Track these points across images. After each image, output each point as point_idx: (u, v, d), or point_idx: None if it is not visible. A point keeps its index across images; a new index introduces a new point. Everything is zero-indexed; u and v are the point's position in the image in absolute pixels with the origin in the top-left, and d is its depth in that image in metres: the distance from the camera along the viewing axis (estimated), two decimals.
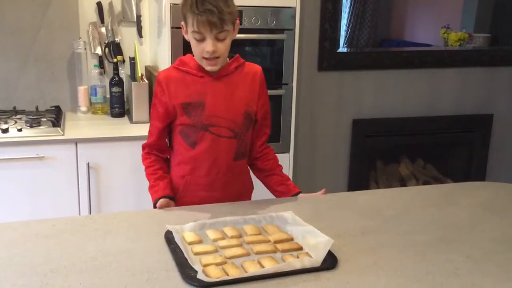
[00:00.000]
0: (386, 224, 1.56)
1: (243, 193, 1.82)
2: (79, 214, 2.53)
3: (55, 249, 1.34)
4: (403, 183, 3.70)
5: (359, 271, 1.25)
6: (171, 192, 1.72)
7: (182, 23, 1.64)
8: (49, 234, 1.43)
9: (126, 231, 1.46)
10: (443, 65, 3.44)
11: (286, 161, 2.89)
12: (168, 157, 1.81)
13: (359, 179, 3.44)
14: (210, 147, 1.70)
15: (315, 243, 1.33)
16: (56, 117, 2.70)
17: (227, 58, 1.71)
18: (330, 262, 1.26)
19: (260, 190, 1.88)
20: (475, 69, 3.51)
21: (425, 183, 3.66)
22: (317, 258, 1.25)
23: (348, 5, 4.06)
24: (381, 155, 3.70)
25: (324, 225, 1.47)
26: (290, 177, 2.89)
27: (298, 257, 1.29)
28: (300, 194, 1.81)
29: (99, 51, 3.00)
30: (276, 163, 1.87)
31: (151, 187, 1.73)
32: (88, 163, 2.52)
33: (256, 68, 1.78)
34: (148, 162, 1.76)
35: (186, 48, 1.68)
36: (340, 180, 3.40)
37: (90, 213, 2.55)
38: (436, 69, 3.43)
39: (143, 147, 1.79)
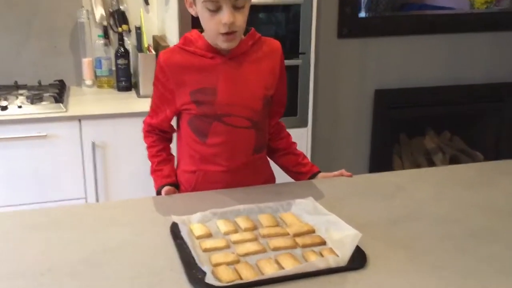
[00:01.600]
0: (418, 211, 1.39)
1: None
2: (85, 196, 2.42)
3: (51, 244, 1.20)
4: (428, 157, 3.52)
5: (392, 270, 1.09)
6: (175, 180, 1.58)
7: None
8: (44, 226, 1.29)
9: (129, 223, 1.32)
10: (470, 29, 3.21)
11: (303, 136, 2.75)
12: (172, 136, 1.64)
13: (382, 153, 3.27)
14: (224, 141, 1.49)
15: (341, 237, 1.16)
16: (59, 92, 2.55)
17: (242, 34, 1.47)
18: (358, 260, 1.10)
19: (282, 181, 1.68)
20: (505, 33, 3.27)
21: (453, 157, 3.48)
22: (343, 256, 1.09)
23: None
24: (405, 127, 3.51)
25: (348, 213, 1.31)
26: (308, 153, 2.75)
27: (321, 253, 1.13)
28: (320, 174, 1.64)
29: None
30: (291, 141, 1.68)
31: (154, 171, 1.58)
32: (93, 142, 2.38)
33: (275, 43, 1.55)
34: (151, 141, 1.60)
35: (196, 17, 1.48)
36: (361, 155, 3.23)
37: (97, 195, 2.43)
38: (463, 34, 3.20)
39: (144, 123, 1.61)
